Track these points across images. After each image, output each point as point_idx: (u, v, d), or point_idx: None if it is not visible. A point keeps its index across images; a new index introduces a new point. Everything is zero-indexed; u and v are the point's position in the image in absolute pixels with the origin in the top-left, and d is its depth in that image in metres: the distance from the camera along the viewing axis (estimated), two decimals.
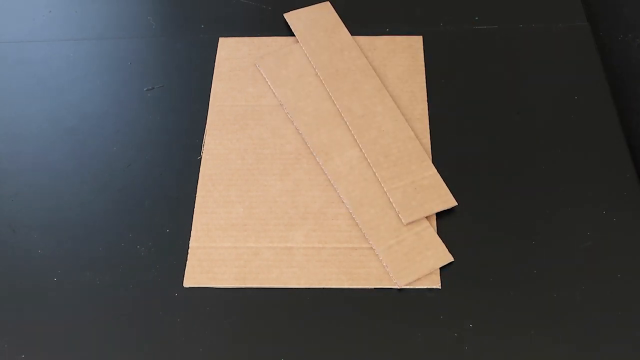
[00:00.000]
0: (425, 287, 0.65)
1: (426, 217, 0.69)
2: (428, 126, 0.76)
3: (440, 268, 0.66)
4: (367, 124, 0.75)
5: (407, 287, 0.65)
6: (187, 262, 0.67)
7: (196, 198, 0.72)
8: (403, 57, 0.81)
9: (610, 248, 0.67)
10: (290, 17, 0.85)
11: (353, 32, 0.83)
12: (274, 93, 0.79)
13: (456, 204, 0.70)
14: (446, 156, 0.74)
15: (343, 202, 0.71)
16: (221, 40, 0.84)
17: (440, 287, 0.65)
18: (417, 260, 0.66)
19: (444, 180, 0.71)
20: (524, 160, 0.73)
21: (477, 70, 0.80)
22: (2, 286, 0.67)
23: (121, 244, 0.69)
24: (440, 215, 0.70)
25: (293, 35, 0.84)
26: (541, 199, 0.70)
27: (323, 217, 0.70)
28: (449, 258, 0.67)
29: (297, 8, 0.85)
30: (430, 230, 0.68)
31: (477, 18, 0.85)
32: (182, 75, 0.82)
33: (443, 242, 0.68)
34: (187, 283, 0.66)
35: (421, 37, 0.83)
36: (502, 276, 0.66)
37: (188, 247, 0.68)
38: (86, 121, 0.78)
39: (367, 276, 0.66)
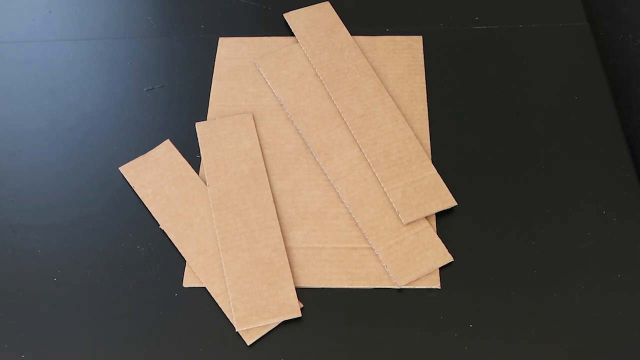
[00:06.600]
0: (425, 287, 0.65)
1: (426, 217, 0.69)
2: (428, 126, 0.76)
3: (440, 268, 0.66)
4: (367, 124, 0.75)
5: (407, 287, 0.65)
6: (186, 262, 0.68)
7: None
8: (403, 57, 0.81)
9: (610, 248, 0.67)
10: (290, 17, 0.85)
11: (353, 32, 0.83)
12: (274, 93, 0.79)
13: (456, 204, 0.70)
14: (446, 156, 0.74)
15: (343, 202, 0.71)
16: (221, 40, 0.84)
17: (440, 287, 0.65)
18: (416, 260, 0.66)
19: (444, 180, 0.71)
20: (523, 160, 0.73)
21: (477, 70, 0.80)
22: (2, 286, 0.67)
23: (121, 244, 0.69)
24: (440, 215, 0.70)
25: (293, 35, 0.84)
26: (541, 199, 0.70)
27: (323, 217, 0.70)
28: (449, 258, 0.67)
29: (297, 8, 0.86)
30: (430, 230, 0.68)
31: (477, 18, 0.85)
32: (182, 75, 0.82)
33: (443, 242, 0.68)
34: (187, 283, 0.66)
35: (421, 37, 0.83)
36: (502, 276, 0.66)
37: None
38: (86, 121, 0.78)
39: (367, 276, 0.66)
